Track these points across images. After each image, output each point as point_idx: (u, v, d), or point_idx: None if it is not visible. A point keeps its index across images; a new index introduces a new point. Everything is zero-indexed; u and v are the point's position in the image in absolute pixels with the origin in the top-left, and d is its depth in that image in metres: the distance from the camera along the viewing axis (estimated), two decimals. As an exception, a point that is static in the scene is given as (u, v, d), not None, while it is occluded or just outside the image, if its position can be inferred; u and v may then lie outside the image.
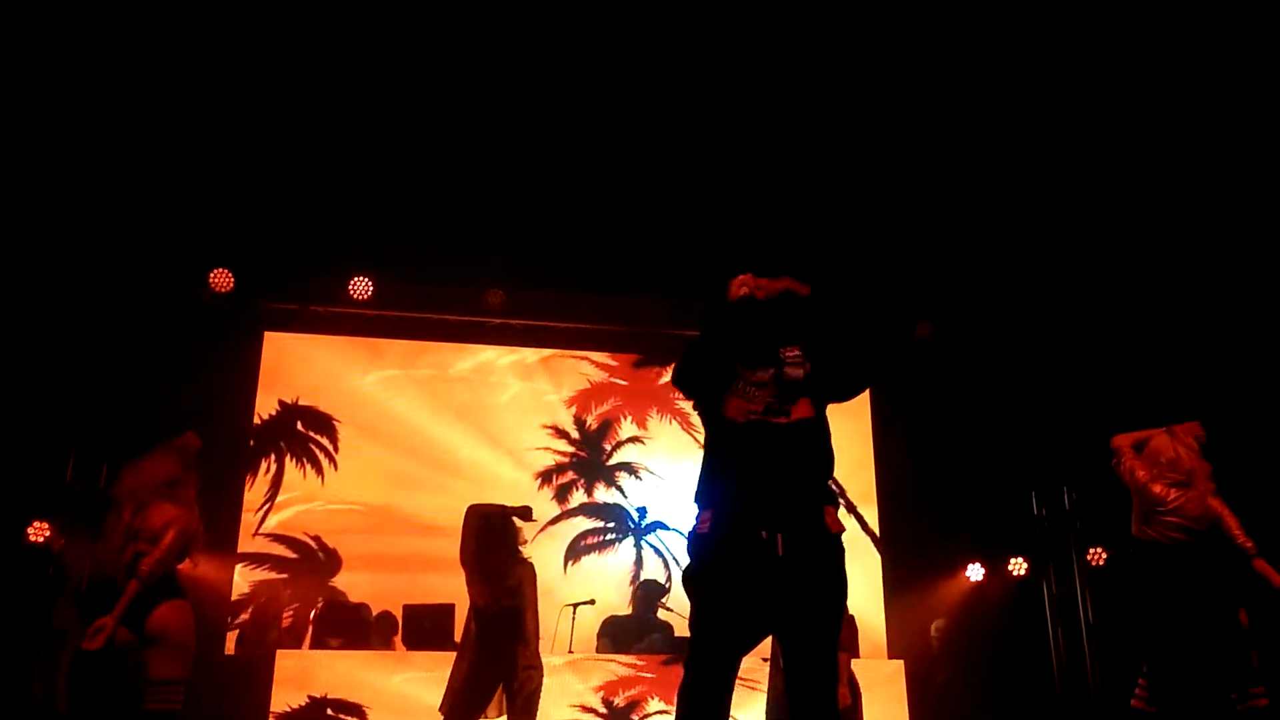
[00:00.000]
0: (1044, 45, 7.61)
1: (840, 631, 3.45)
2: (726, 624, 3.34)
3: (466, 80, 7.70)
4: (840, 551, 3.44)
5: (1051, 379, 8.84)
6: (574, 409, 9.35)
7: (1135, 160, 8.12)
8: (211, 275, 8.30)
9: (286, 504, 8.61)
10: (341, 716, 6.86)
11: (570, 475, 9.19)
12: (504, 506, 6.19)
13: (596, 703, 7.22)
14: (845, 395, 3.67)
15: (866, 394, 9.57)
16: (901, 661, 8.28)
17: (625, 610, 8.26)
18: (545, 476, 9.13)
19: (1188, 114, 7.82)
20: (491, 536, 6.00)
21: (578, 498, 9.17)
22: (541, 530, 8.74)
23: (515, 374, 9.31)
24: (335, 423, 8.86)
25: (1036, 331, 8.91)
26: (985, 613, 8.92)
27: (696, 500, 3.51)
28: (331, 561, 8.56)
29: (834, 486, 3.53)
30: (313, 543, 8.58)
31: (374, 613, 7.86)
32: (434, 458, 8.89)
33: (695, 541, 3.47)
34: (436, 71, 7.62)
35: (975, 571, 8.95)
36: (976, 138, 8.20)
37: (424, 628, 7.28)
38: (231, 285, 8.36)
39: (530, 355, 9.36)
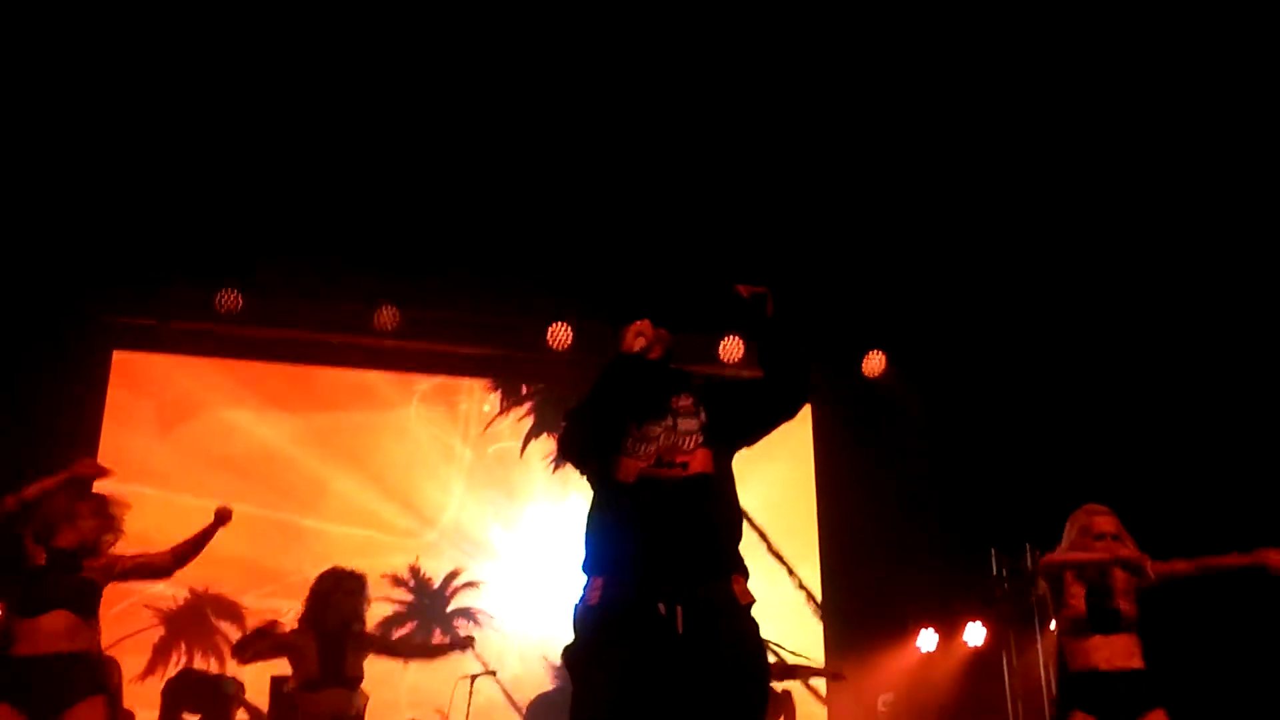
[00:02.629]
0: (998, 84, 7.37)
1: None
2: (618, 714, 3.02)
3: (359, 68, 7.12)
4: (753, 625, 3.16)
5: (1015, 422, 8.49)
6: (472, 442, 8.77)
7: (1105, 209, 7.94)
8: (54, 283, 7.63)
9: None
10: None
11: (467, 522, 8.59)
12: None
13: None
14: (749, 435, 3.40)
15: (809, 437, 9.18)
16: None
17: (547, 685, 7.62)
18: (439, 525, 8.53)
19: (1149, 159, 7.62)
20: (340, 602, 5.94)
21: (477, 549, 8.55)
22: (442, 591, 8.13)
23: (408, 403, 8.71)
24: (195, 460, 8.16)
25: (999, 370, 8.57)
26: (938, 686, 8.58)
27: (584, 569, 3.23)
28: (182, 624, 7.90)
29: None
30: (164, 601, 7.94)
31: (237, 685, 7.27)
32: (312, 504, 8.27)
33: (582, 615, 3.18)
34: (324, 57, 7.04)
35: (928, 640, 8.61)
36: (939, 168, 7.92)
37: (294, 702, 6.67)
38: (78, 295, 7.74)
39: (424, 383, 8.75)
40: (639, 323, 3.35)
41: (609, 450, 3.28)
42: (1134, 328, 8.20)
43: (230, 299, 7.95)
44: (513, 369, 8.86)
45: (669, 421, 3.31)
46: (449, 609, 8.39)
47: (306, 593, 6.06)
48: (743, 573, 3.21)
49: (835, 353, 8.97)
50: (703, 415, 3.33)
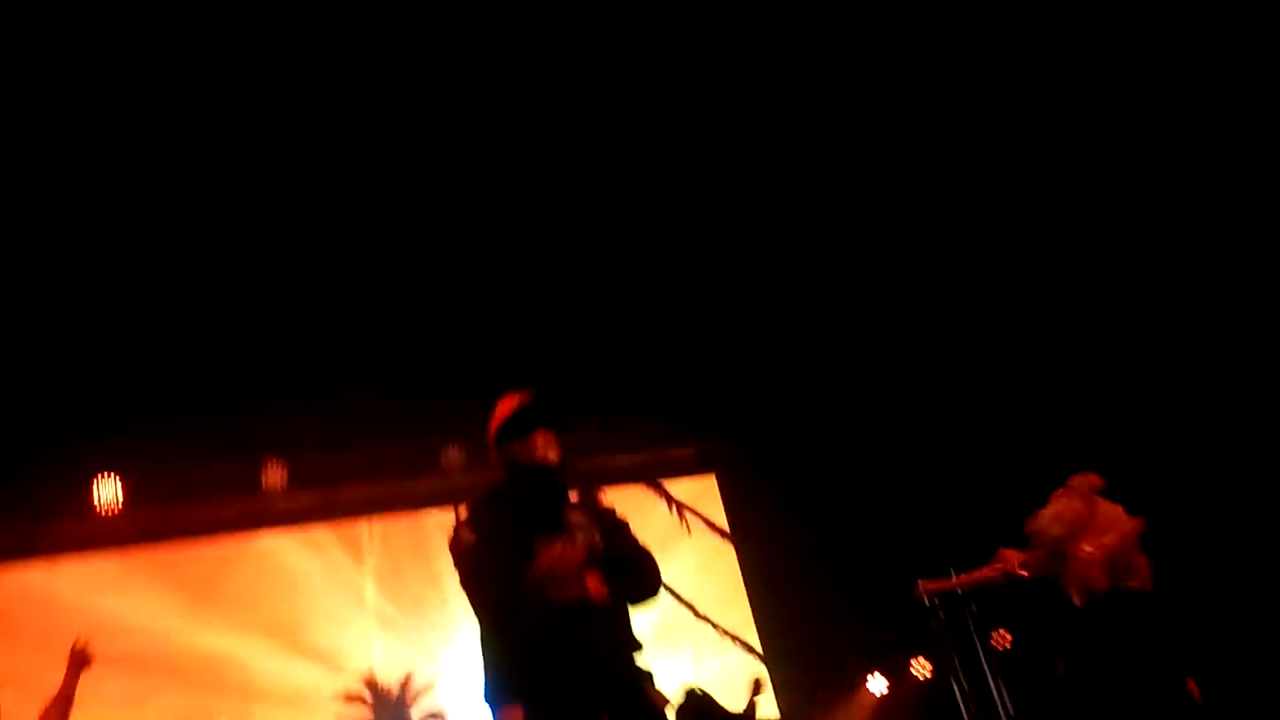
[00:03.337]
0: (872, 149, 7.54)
1: None
2: None
3: (222, 195, 6.85)
4: None
5: (916, 454, 8.70)
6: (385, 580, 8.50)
7: (996, 236, 8.18)
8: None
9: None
10: None
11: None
12: None
13: None
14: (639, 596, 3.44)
15: (720, 511, 9.19)
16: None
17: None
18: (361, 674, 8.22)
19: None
20: None
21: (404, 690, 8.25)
22: None
23: (311, 556, 8.36)
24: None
25: (896, 405, 8.77)
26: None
27: (492, 698, 3.17)
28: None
29: None
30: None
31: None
32: (232, 682, 7.82)
33: None
34: (183, 190, 6.74)
35: (877, 684, 8.62)
36: (835, 210, 8.03)
37: None
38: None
39: (324, 531, 8.43)
40: (542, 433, 3.33)
41: (517, 572, 3.21)
42: (1023, 352, 8.52)
43: (109, 491, 7.47)
44: (412, 499, 8.60)
45: (568, 536, 3.30)
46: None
47: None
48: (652, 678, 3.32)
49: (730, 423, 9.02)
50: (596, 536, 3.33)
